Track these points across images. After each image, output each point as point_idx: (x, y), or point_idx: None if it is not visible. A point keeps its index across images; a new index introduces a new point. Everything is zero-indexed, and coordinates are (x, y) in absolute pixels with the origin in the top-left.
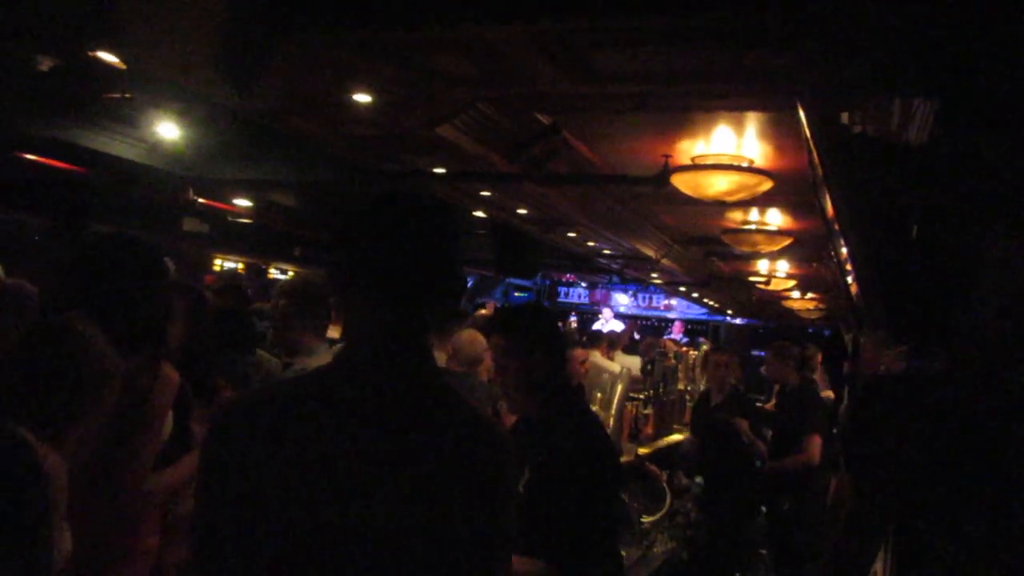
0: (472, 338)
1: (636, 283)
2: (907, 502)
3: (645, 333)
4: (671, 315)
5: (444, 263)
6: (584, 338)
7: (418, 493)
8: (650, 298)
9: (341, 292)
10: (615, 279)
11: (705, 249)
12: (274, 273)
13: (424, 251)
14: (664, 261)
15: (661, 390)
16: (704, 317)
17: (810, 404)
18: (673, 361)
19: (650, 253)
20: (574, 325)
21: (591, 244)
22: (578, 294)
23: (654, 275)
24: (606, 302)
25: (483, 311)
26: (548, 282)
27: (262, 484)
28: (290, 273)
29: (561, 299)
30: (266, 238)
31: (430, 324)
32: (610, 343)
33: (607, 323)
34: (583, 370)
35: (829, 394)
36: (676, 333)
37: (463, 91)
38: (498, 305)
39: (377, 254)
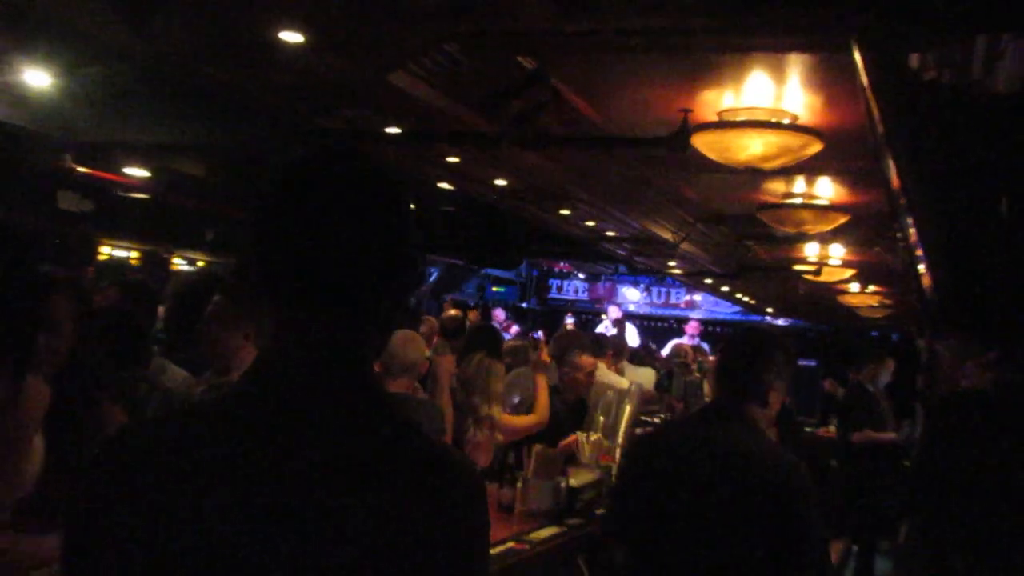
0: (407, 340)
1: (649, 274)
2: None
3: (655, 337)
4: (694, 314)
5: (391, 249)
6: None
7: (360, 566)
8: (667, 293)
9: (258, 289)
10: (622, 269)
11: (737, 230)
12: (179, 264)
13: (362, 233)
14: (685, 246)
15: (681, 411)
16: (736, 317)
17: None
18: (697, 374)
19: (667, 236)
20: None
21: (590, 224)
22: (574, 288)
23: (672, 264)
24: (611, 299)
25: (451, 311)
26: (536, 273)
27: (145, 553)
28: (199, 263)
29: (553, 295)
30: (168, 218)
31: (372, 332)
32: (616, 351)
33: (613, 325)
34: (586, 382)
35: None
36: (690, 336)
37: (424, 27)
38: (472, 304)
39: (296, 237)
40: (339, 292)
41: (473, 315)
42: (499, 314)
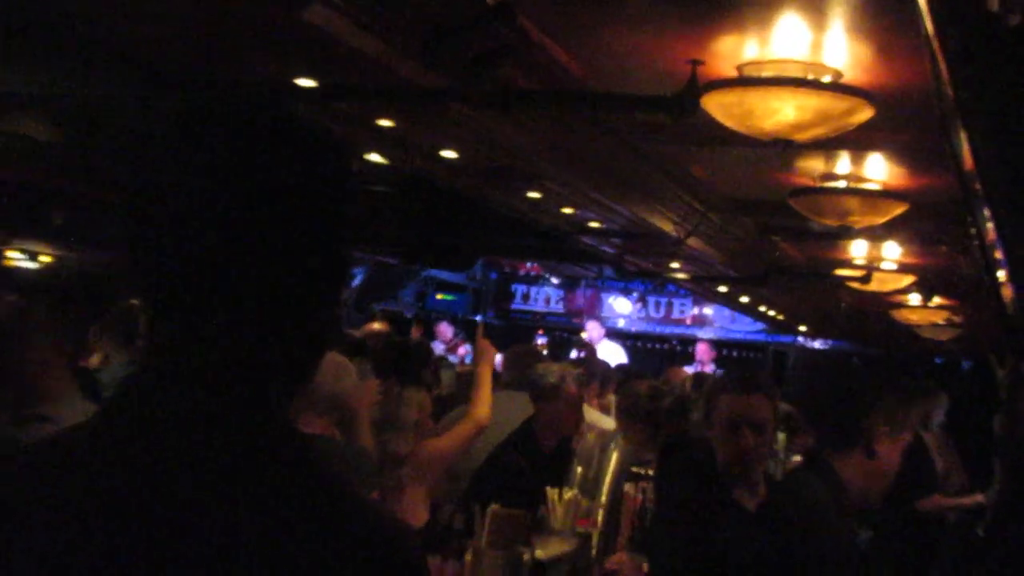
0: (336, 367)
1: (645, 280)
2: None
3: (652, 363)
4: (704, 333)
5: (319, 236)
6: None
7: None
8: (668, 305)
9: (142, 293)
10: (608, 272)
11: (761, 221)
12: (16, 258)
13: (281, 213)
14: (692, 242)
15: None
16: (759, 337)
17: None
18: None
19: (668, 228)
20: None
21: (567, 212)
22: (546, 297)
23: (675, 266)
24: (593, 311)
25: (373, 325)
26: (495, 276)
27: None
28: (43, 258)
29: (517, 305)
30: (2, 197)
31: (288, 352)
32: (603, 381)
33: (596, 345)
34: (572, 418)
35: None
36: (702, 360)
37: None
38: (409, 316)
39: (181, 220)
40: (243, 295)
41: (416, 332)
42: (445, 330)
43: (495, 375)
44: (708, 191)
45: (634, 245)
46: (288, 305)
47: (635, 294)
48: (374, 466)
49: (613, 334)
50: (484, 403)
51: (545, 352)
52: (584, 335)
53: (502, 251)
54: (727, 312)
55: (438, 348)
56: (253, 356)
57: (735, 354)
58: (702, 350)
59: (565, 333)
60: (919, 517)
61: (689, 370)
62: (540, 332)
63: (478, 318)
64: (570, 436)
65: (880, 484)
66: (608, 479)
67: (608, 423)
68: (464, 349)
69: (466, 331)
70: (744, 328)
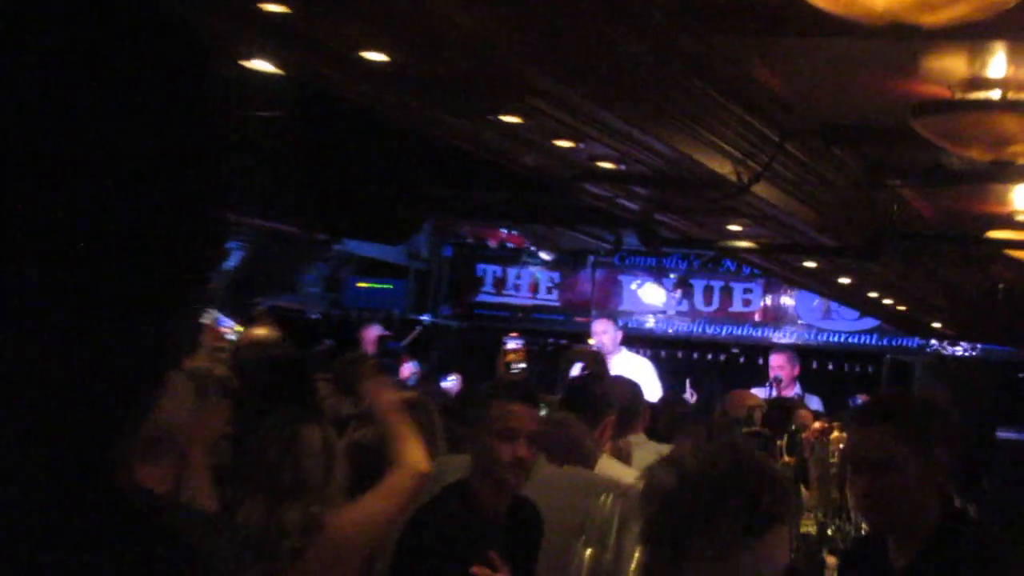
0: (182, 389)
1: (687, 252)
2: None
3: (699, 378)
4: (782, 336)
5: (142, 188)
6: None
7: None
8: (724, 292)
9: None
10: (630, 242)
11: (871, 158)
12: None
13: (68, 141)
14: (760, 189)
15: None
16: (868, 341)
17: None
18: (787, 458)
19: (724, 169)
20: (515, 365)
21: (565, 145)
22: (530, 282)
23: (735, 229)
24: (605, 303)
25: (257, 331)
26: (450, 252)
27: None
28: None
29: (487, 296)
30: None
31: (99, 376)
32: (623, 415)
33: (609, 357)
34: (515, 469)
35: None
36: (779, 376)
37: None
38: (314, 316)
39: None
40: (59, 283)
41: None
42: (371, 335)
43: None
44: (787, 111)
45: (671, 197)
46: (109, 302)
47: (672, 276)
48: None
49: (638, 340)
50: (414, 447)
51: (514, 366)
52: (592, 341)
53: (461, 211)
54: (817, 302)
55: None
56: (54, 383)
57: (830, 366)
58: (780, 362)
59: (561, 340)
60: None
61: (760, 393)
62: (513, 336)
63: (423, 318)
64: (516, 491)
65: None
66: (634, 567)
67: (628, 475)
68: (408, 368)
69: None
70: (844, 326)
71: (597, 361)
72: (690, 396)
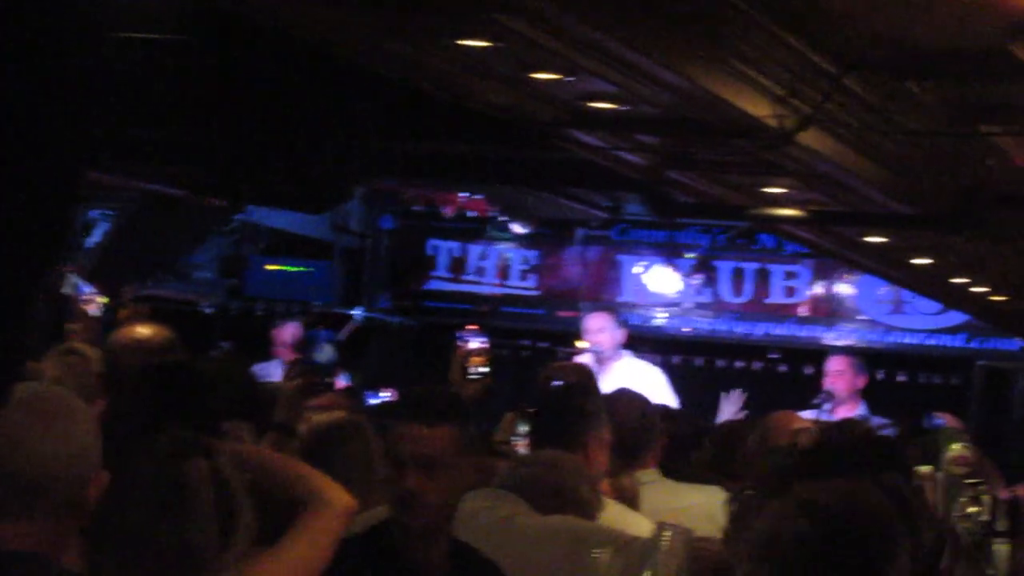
0: (56, 414)
1: (710, 224)
2: None
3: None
4: (838, 336)
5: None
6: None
7: None
8: (759, 277)
9: None
10: (632, 210)
11: (956, 97)
12: None
13: None
14: (808, 139)
15: None
16: (952, 343)
17: None
18: None
19: (761, 111)
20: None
21: (545, 78)
22: (499, 264)
23: (775, 191)
24: (600, 291)
25: (138, 329)
26: (390, 225)
27: None
28: None
29: (440, 283)
30: None
31: None
32: (627, 442)
33: (606, 371)
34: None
35: None
36: (835, 388)
37: None
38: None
39: None
40: None
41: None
42: (286, 336)
43: None
44: (844, 32)
45: (688, 149)
46: None
47: (690, 256)
48: None
49: (644, 341)
50: (328, 483)
51: (472, 372)
52: (582, 343)
53: (406, 169)
54: (884, 292)
55: (276, 374)
56: None
57: (902, 378)
58: (835, 371)
59: (541, 342)
60: None
61: (810, 415)
62: (473, 329)
63: (355, 312)
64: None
65: None
66: None
67: (639, 525)
68: (338, 383)
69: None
70: (921, 324)
71: (584, 379)
72: (733, 411)
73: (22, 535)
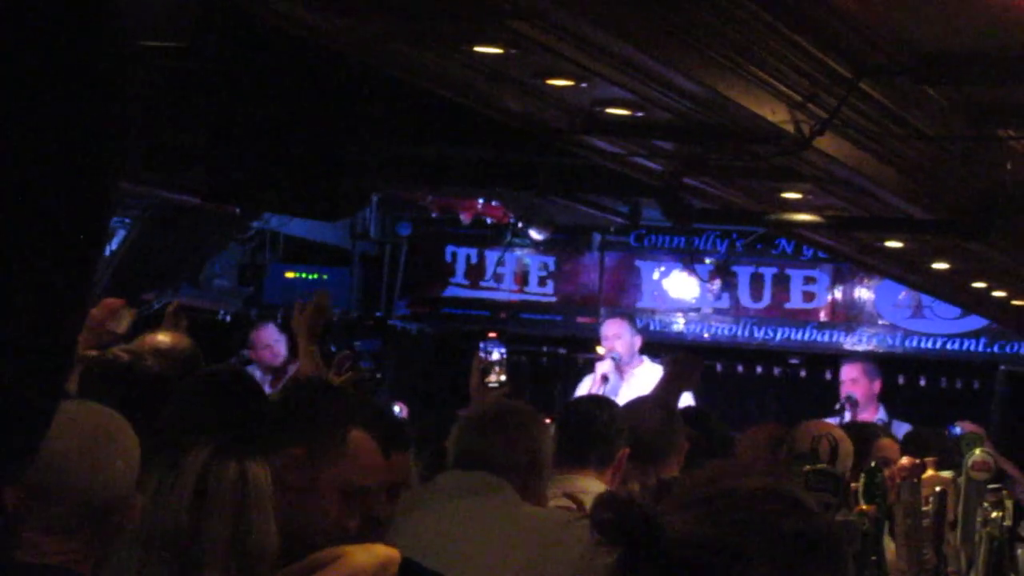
0: (88, 431)
1: (728, 231)
2: None
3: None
4: (857, 341)
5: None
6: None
7: None
8: (778, 282)
9: None
10: (650, 216)
11: (976, 100)
12: None
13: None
14: (825, 143)
15: None
16: (972, 347)
17: None
18: (866, 506)
19: (778, 116)
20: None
21: (561, 84)
22: (517, 271)
23: (793, 197)
24: (618, 298)
25: (159, 337)
26: (407, 231)
27: None
28: None
29: (457, 290)
30: None
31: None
32: (646, 450)
33: (626, 376)
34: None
35: None
36: (852, 393)
37: None
38: (226, 316)
39: None
40: None
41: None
42: (268, 337)
43: None
44: (862, 37)
45: (706, 155)
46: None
47: (708, 262)
48: None
49: (663, 347)
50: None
51: (491, 382)
52: (600, 349)
53: (424, 175)
54: (904, 296)
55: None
56: None
57: (922, 382)
58: (854, 376)
59: (559, 348)
60: None
61: (835, 421)
62: (492, 338)
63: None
64: None
65: None
66: None
67: None
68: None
69: (352, 346)
70: (941, 328)
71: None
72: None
73: (63, 551)
